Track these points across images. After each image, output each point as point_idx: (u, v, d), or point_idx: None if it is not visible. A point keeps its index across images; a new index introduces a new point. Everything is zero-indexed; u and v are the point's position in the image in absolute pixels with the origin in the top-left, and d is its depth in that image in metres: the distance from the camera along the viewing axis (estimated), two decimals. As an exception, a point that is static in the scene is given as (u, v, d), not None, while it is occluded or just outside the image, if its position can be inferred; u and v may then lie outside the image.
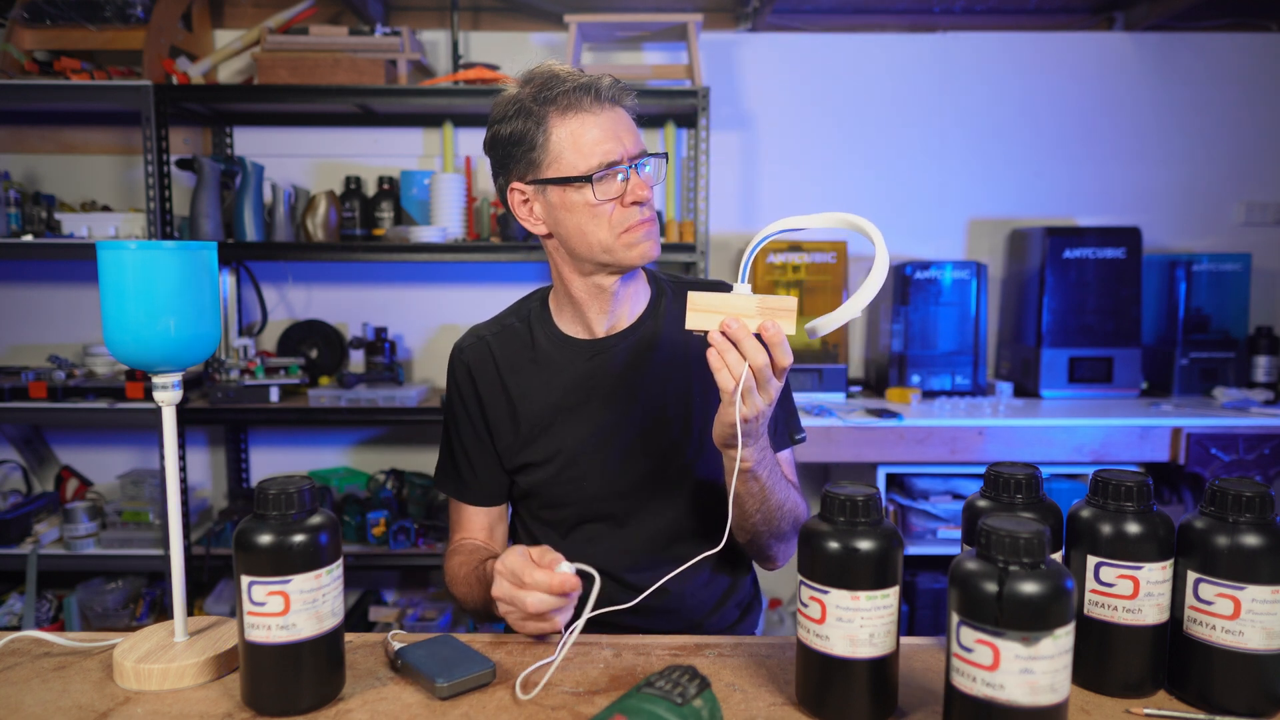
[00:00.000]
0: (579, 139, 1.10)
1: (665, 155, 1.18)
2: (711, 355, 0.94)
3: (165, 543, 2.48)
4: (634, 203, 1.11)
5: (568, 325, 1.25)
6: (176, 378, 0.94)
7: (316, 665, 0.83)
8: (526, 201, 1.16)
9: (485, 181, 2.83)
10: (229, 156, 2.56)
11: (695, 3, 2.73)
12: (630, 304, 1.23)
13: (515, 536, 1.34)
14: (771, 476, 1.06)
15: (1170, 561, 0.84)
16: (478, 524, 1.28)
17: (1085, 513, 0.87)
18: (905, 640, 0.95)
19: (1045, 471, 1.17)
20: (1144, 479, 0.85)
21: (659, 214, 1.24)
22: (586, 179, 1.09)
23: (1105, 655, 0.85)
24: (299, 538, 0.80)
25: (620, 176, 1.10)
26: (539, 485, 1.24)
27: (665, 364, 1.22)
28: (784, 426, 1.25)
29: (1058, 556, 0.90)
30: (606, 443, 1.21)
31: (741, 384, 0.93)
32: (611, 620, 1.01)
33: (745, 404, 0.94)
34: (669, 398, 1.21)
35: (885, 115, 2.87)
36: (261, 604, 0.80)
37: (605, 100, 1.12)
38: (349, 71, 2.47)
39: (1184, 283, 2.70)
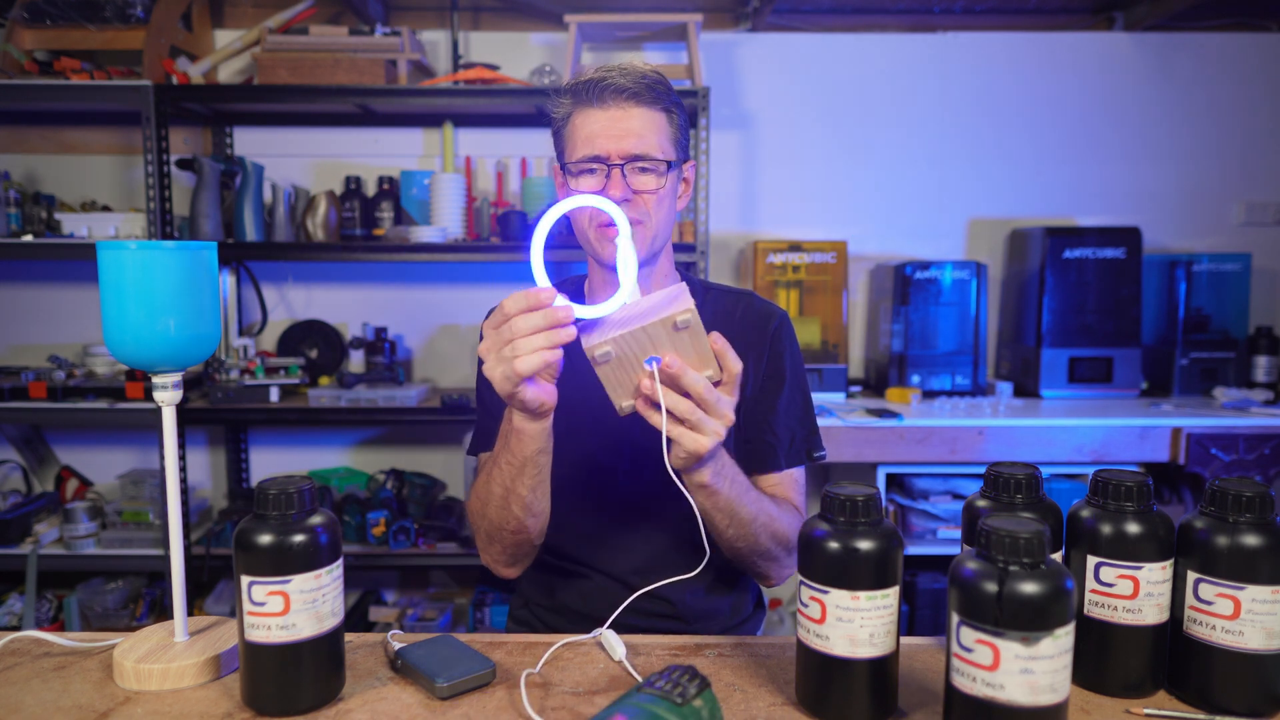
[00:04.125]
0: (580, 131, 1.14)
1: (669, 164, 1.15)
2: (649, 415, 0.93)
3: (165, 543, 2.48)
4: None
5: None
6: (176, 378, 0.94)
7: (316, 665, 0.83)
8: (563, 185, 1.21)
9: (485, 181, 2.83)
10: (229, 156, 2.56)
11: (695, 3, 2.73)
12: None
13: None
14: (733, 489, 1.04)
15: (1170, 561, 0.84)
16: None
17: (1085, 513, 0.87)
18: (905, 640, 0.95)
19: (1045, 471, 1.17)
20: (1144, 479, 0.85)
21: (670, 221, 1.22)
22: (568, 170, 1.15)
23: (1105, 655, 0.85)
24: (299, 538, 0.80)
25: (605, 174, 1.13)
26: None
27: None
28: (802, 443, 1.24)
29: (1058, 556, 0.90)
30: (609, 443, 1.21)
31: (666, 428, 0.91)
32: (612, 624, 1.01)
33: (702, 433, 0.92)
34: None
35: (885, 115, 2.87)
36: (261, 604, 0.80)
37: (614, 97, 1.13)
38: (349, 71, 2.47)
39: (1184, 283, 2.70)
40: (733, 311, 1.26)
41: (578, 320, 0.91)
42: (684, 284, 0.94)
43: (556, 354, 0.91)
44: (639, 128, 1.13)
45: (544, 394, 0.95)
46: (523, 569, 1.22)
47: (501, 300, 0.94)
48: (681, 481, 0.98)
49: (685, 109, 1.22)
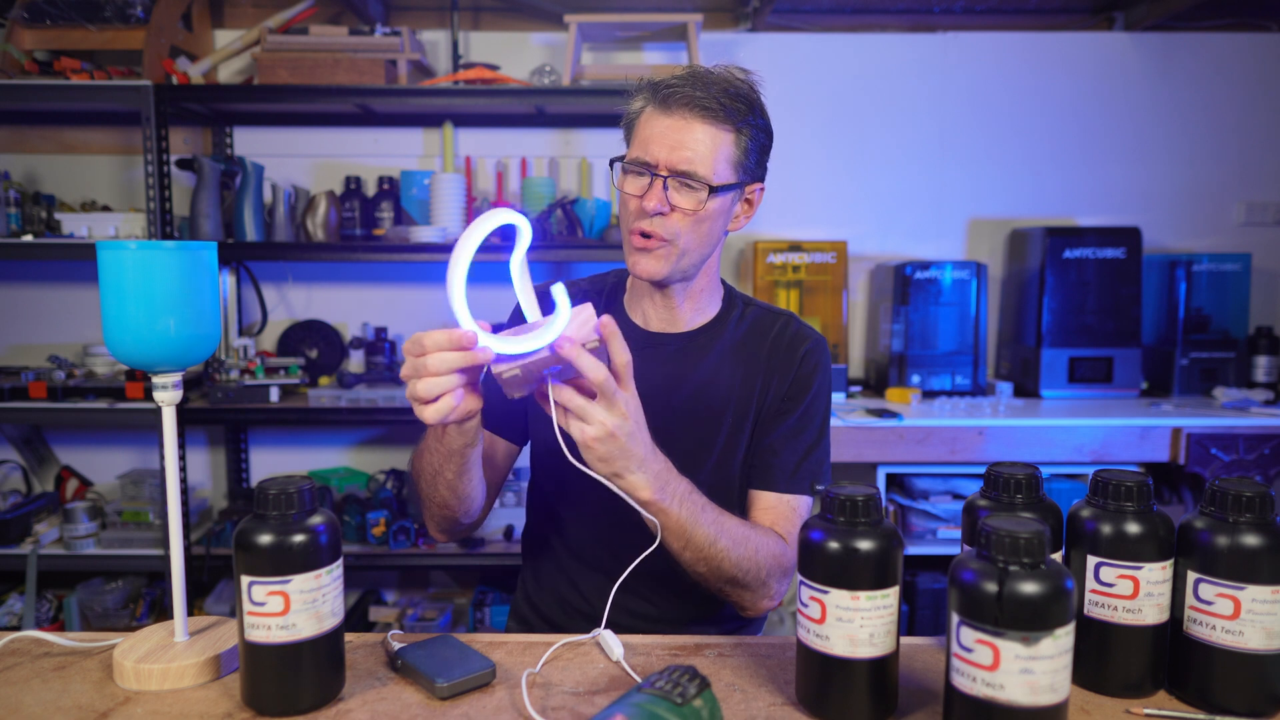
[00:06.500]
0: (641, 131, 1.14)
1: (710, 188, 1.10)
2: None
3: (165, 543, 2.48)
4: (642, 209, 1.11)
5: (632, 308, 1.26)
6: (176, 378, 0.94)
7: (316, 665, 0.83)
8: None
9: (485, 181, 2.83)
10: (229, 156, 2.56)
11: (695, 3, 2.73)
12: (693, 313, 1.23)
13: (529, 526, 1.33)
14: (685, 509, 1.01)
15: (1170, 561, 0.84)
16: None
17: (1085, 513, 0.87)
18: (905, 640, 0.95)
19: (1045, 471, 1.17)
20: (1144, 479, 0.85)
21: (708, 243, 1.18)
22: (615, 165, 1.15)
23: (1105, 655, 0.85)
24: (299, 538, 0.80)
25: (646, 180, 1.11)
26: (539, 458, 1.25)
27: (705, 382, 1.21)
28: (808, 472, 1.20)
29: (1058, 556, 0.90)
30: None
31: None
32: (611, 625, 1.01)
33: (587, 421, 0.91)
34: (699, 413, 1.20)
35: (885, 115, 2.87)
36: (261, 604, 0.80)
37: (681, 107, 1.10)
38: (349, 71, 2.47)
39: (1184, 283, 2.70)
40: (768, 330, 1.24)
41: (500, 357, 0.88)
42: (589, 304, 0.92)
43: (459, 380, 0.91)
44: (694, 143, 1.09)
45: (460, 411, 0.94)
46: (454, 539, 1.23)
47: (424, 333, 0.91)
48: (589, 470, 0.97)
49: (767, 130, 1.16)
